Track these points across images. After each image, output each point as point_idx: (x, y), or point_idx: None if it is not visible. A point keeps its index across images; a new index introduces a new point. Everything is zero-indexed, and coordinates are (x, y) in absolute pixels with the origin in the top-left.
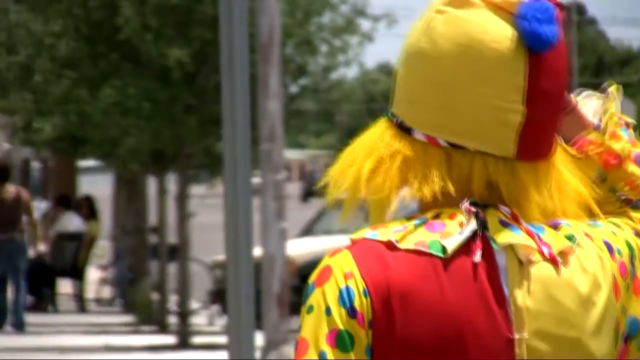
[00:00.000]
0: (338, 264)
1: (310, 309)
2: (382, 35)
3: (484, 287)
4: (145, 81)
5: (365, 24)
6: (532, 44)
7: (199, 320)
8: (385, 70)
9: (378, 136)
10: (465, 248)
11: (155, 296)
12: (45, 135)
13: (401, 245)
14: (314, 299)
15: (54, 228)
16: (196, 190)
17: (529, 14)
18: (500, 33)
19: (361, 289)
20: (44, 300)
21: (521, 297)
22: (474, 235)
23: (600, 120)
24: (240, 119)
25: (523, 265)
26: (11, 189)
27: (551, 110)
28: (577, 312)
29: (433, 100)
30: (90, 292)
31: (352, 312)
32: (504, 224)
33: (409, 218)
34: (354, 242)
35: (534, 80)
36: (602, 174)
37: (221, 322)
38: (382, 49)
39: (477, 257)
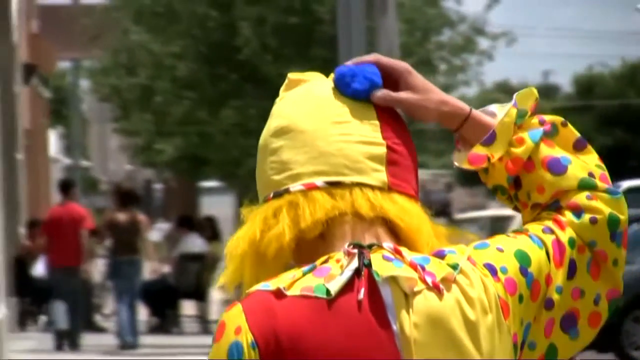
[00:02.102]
0: (230, 319)
1: None
2: (501, 53)
3: (370, 322)
4: (266, 101)
5: (484, 43)
6: (345, 92)
7: None
8: (505, 89)
9: (254, 213)
10: (350, 287)
11: None
12: (167, 157)
13: (289, 292)
14: (212, 354)
15: (176, 249)
16: None
17: (335, 78)
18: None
19: (249, 342)
20: (168, 321)
21: (408, 327)
22: (359, 275)
23: (494, 132)
24: None
25: (408, 296)
26: (131, 212)
27: (406, 144)
28: (465, 338)
29: (301, 157)
30: (214, 313)
31: None
32: (388, 259)
33: (300, 267)
34: (247, 295)
35: (385, 118)
36: (513, 180)
37: None
38: (501, 67)
39: (361, 294)
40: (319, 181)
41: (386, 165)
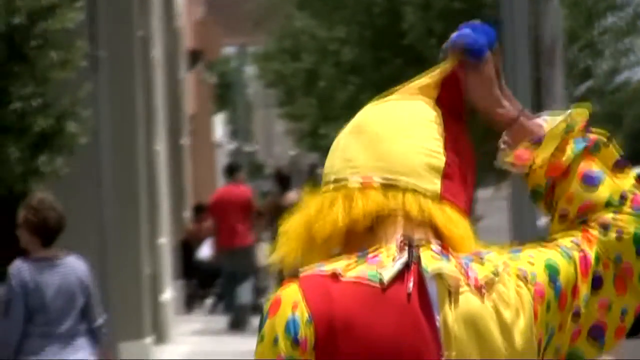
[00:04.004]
0: (287, 295)
1: (262, 338)
2: None
3: (417, 313)
4: None
5: None
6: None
7: None
8: None
9: (312, 198)
10: (401, 278)
11: None
12: (331, 141)
13: (344, 277)
14: (266, 328)
15: None
16: (482, 193)
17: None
18: (418, 101)
19: (305, 318)
20: None
21: (450, 322)
22: (408, 267)
23: (543, 136)
24: None
25: (452, 293)
26: (291, 196)
27: (466, 164)
28: (499, 339)
29: (366, 155)
30: None
31: (296, 341)
32: (436, 256)
33: (352, 254)
34: (302, 276)
35: (452, 134)
36: (550, 186)
37: None
38: None
39: (410, 286)
40: (376, 179)
41: (442, 178)
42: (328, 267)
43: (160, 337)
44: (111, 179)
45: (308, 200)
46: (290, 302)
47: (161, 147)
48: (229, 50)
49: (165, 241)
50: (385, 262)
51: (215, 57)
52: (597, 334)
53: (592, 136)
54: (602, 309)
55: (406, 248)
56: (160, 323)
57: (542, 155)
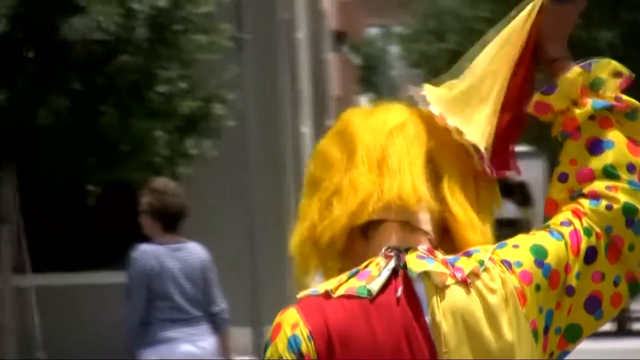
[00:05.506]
0: (286, 319)
1: None
2: None
3: (407, 317)
4: None
5: None
6: None
7: (638, 306)
8: None
9: (306, 208)
10: (389, 286)
11: None
12: None
13: (335, 294)
14: (270, 352)
15: None
16: None
17: None
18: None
19: (306, 335)
20: None
21: (439, 319)
22: (396, 275)
23: (555, 84)
24: None
25: (439, 290)
26: None
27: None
28: (487, 329)
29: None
30: None
31: (300, 355)
32: (421, 258)
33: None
34: (299, 300)
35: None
36: (564, 136)
37: None
38: None
39: (399, 292)
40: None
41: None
42: (320, 289)
43: None
44: (258, 162)
45: (305, 208)
46: (290, 324)
47: (307, 128)
48: (373, 31)
49: None
50: (374, 274)
51: (359, 38)
52: (592, 305)
53: (625, 99)
54: (596, 280)
55: (392, 256)
56: None
57: (558, 105)
